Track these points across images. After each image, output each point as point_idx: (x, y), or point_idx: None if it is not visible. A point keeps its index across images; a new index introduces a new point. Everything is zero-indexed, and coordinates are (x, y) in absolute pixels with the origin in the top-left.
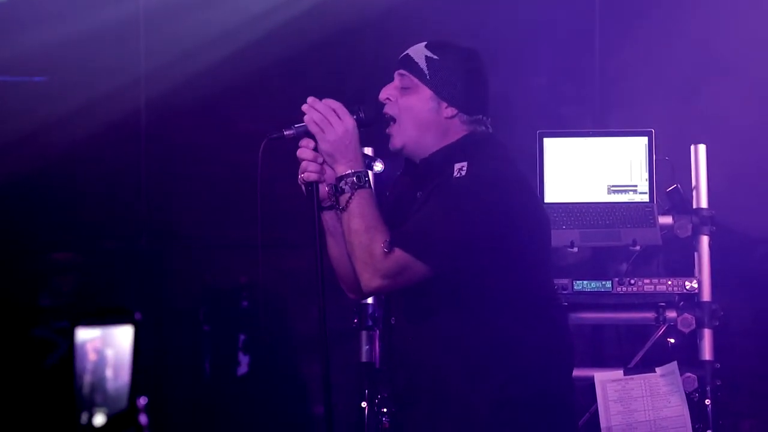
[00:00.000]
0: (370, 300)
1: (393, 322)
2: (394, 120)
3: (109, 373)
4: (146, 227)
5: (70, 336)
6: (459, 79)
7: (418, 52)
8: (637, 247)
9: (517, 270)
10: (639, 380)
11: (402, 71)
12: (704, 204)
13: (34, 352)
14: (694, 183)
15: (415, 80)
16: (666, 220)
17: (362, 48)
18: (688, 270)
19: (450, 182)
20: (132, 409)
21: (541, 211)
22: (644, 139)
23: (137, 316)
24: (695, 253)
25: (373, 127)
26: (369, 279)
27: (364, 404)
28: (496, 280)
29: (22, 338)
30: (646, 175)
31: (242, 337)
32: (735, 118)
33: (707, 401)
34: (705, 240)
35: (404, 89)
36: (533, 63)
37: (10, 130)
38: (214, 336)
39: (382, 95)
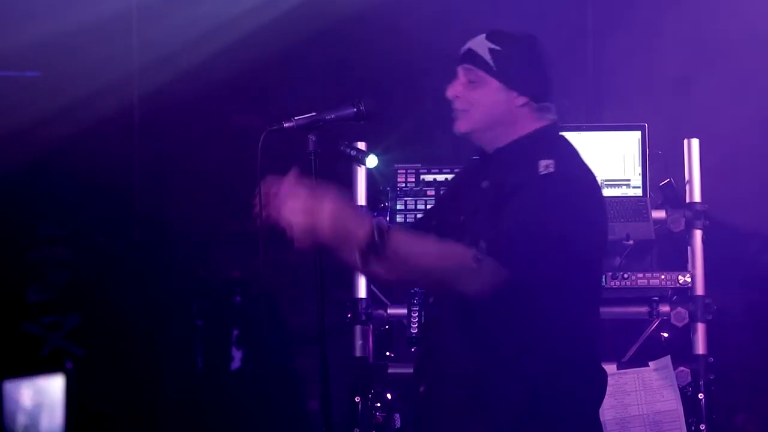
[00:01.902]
0: (363, 295)
1: (431, 301)
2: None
3: (45, 416)
4: (139, 221)
5: (60, 331)
6: (525, 67)
7: (480, 44)
8: (631, 242)
9: (578, 279)
10: (632, 374)
11: (466, 65)
12: (697, 198)
13: (24, 347)
14: (687, 177)
15: (481, 73)
16: (659, 214)
17: (357, 41)
18: (682, 264)
19: (536, 180)
20: None
21: (606, 219)
22: (637, 134)
23: (68, 365)
24: (688, 247)
25: (370, 121)
26: (479, 291)
27: (357, 399)
28: (554, 286)
29: (13, 333)
30: (639, 170)
31: (235, 331)
32: (728, 112)
33: (701, 395)
34: (698, 234)
35: (471, 83)
36: None
37: (2, 124)
38: (207, 331)
39: (450, 93)
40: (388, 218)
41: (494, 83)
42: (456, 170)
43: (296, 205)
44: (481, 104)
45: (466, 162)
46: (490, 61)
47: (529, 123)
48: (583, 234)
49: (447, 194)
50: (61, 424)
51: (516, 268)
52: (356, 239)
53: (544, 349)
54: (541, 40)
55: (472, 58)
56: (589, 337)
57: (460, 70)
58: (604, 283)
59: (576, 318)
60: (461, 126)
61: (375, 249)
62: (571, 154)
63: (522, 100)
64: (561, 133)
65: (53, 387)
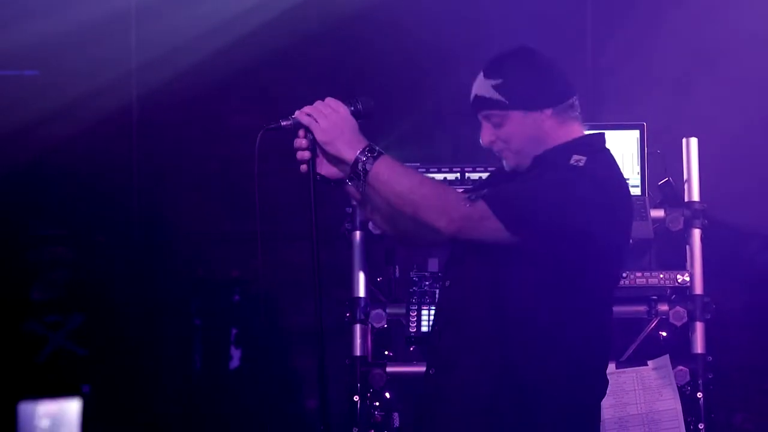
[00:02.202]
0: (362, 294)
1: (447, 285)
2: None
3: None
4: (138, 221)
5: (61, 331)
6: (533, 84)
7: (483, 87)
8: (629, 241)
9: (584, 272)
10: (631, 373)
11: (483, 112)
12: (696, 197)
13: (25, 346)
14: (685, 176)
15: (500, 113)
16: (658, 213)
17: (356, 40)
18: (680, 263)
19: (563, 166)
20: None
21: (629, 227)
22: (636, 132)
23: (85, 389)
24: (687, 247)
25: (369, 120)
26: (448, 223)
27: (356, 398)
28: (559, 273)
29: (14, 332)
30: (638, 169)
31: (234, 330)
32: (727, 111)
33: (699, 394)
34: (697, 233)
35: (496, 125)
36: None
37: (1, 124)
38: (206, 330)
39: (484, 142)
40: None
41: (515, 114)
42: (492, 169)
43: (317, 104)
44: (515, 137)
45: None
46: (500, 98)
47: (561, 129)
48: (598, 228)
49: (481, 183)
50: None
51: (513, 225)
52: (343, 158)
53: (546, 342)
54: (534, 47)
55: (483, 103)
56: (595, 338)
57: (481, 118)
58: None
59: (585, 315)
60: (510, 163)
61: (358, 175)
62: (606, 159)
63: (546, 113)
64: (606, 147)
65: (70, 409)
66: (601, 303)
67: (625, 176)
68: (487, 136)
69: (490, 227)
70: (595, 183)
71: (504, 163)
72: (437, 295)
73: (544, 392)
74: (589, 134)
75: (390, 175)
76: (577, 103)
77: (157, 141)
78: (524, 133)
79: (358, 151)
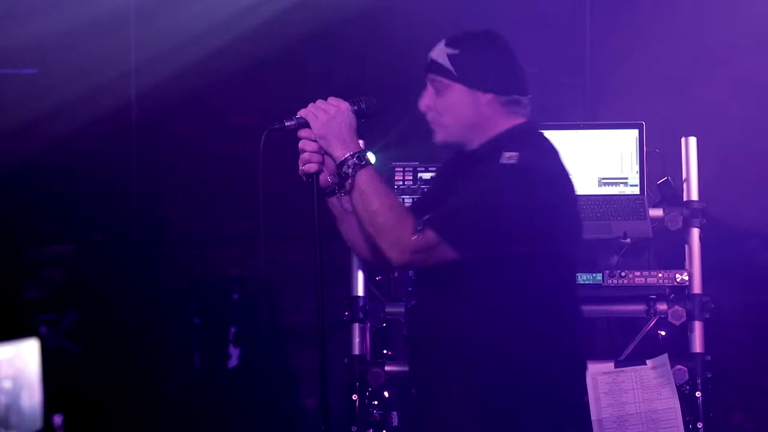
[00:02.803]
0: (361, 293)
1: (413, 305)
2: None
3: (25, 394)
4: (137, 220)
5: (57, 328)
6: (485, 66)
7: (440, 52)
8: (628, 240)
9: (540, 269)
10: (630, 372)
11: (431, 76)
12: (695, 196)
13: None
14: (684, 175)
15: (445, 81)
16: (657, 212)
17: (354, 39)
18: (679, 262)
19: (496, 167)
20: (48, 428)
21: (576, 212)
22: (635, 132)
23: (42, 329)
24: (686, 246)
25: (370, 119)
26: (398, 255)
27: (355, 397)
28: (516, 276)
29: (10, 330)
30: (637, 168)
31: (233, 329)
32: (726, 110)
33: (698, 393)
34: (695, 232)
35: (438, 92)
36: (523, 54)
37: (0, 122)
38: (205, 329)
39: (422, 106)
40: None
41: (457, 87)
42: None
43: (319, 102)
44: (450, 110)
45: (450, 155)
46: (450, 67)
47: (499, 120)
48: (543, 222)
49: (430, 189)
50: (40, 399)
51: (457, 243)
52: (333, 155)
53: (515, 347)
54: (501, 35)
55: (434, 67)
56: (566, 335)
57: (427, 82)
58: (601, 281)
59: (551, 313)
60: (438, 137)
61: (343, 175)
62: (542, 149)
63: (487, 97)
64: (542, 132)
65: (30, 360)
66: (566, 297)
67: (625, 175)
68: (426, 100)
69: (441, 252)
70: (530, 178)
71: (433, 137)
72: (406, 316)
73: (523, 395)
74: (520, 124)
75: (367, 189)
76: (526, 103)
77: (156, 140)
78: (460, 108)
79: (348, 153)
